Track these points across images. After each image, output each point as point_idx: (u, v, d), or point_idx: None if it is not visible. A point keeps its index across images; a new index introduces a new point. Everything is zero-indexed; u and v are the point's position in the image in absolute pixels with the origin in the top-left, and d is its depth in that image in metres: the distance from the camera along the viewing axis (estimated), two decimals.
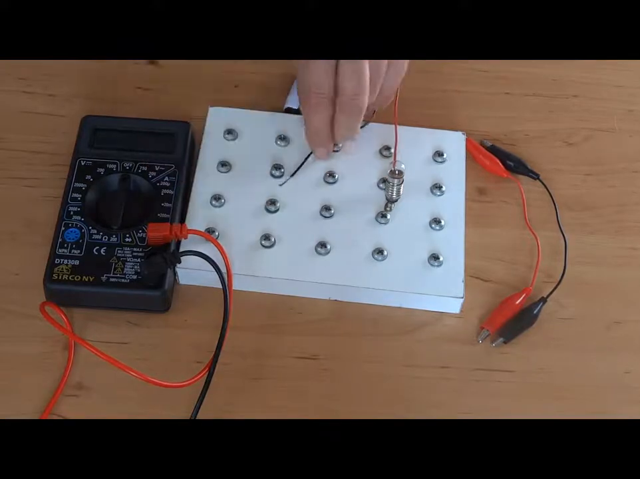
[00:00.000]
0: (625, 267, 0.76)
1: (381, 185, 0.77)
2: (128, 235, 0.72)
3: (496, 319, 0.73)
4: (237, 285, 0.71)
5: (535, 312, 0.73)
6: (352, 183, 0.77)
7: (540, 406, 0.70)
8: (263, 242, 0.74)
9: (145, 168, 0.75)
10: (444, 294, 0.72)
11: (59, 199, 0.74)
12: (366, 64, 0.72)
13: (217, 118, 0.79)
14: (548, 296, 0.74)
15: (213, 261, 0.70)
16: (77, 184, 0.74)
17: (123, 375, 0.67)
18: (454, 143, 0.80)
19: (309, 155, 0.78)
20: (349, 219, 0.75)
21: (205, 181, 0.76)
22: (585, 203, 0.79)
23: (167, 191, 0.74)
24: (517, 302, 0.73)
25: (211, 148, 0.78)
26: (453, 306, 0.73)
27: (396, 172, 0.74)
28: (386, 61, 0.73)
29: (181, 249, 0.72)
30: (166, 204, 0.74)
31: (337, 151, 0.79)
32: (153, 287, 0.71)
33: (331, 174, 0.77)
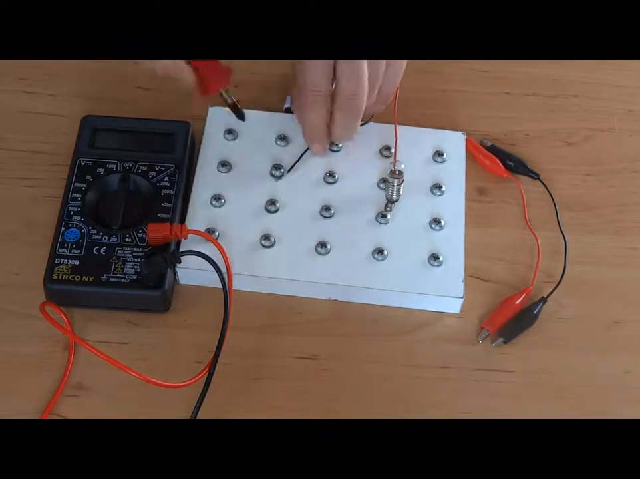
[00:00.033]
0: (625, 267, 0.76)
1: (381, 185, 0.77)
2: (128, 235, 0.72)
3: (496, 319, 0.73)
4: (237, 285, 0.71)
5: (535, 312, 0.73)
6: (352, 183, 0.77)
7: (540, 406, 0.70)
8: (263, 242, 0.74)
9: (145, 168, 0.75)
10: (444, 294, 0.72)
11: (59, 199, 0.74)
12: (364, 64, 0.72)
13: (217, 118, 0.79)
14: (548, 296, 0.74)
15: (213, 261, 0.70)
16: (77, 184, 0.74)
17: (123, 375, 0.67)
18: (454, 143, 0.80)
19: (305, 150, 0.78)
20: (349, 219, 0.75)
21: (205, 181, 0.77)
22: (585, 203, 0.79)
23: (167, 191, 0.74)
24: (517, 302, 0.73)
25: (211, 148, 0.78)
26: (453, 306, 0.73)
27: (396, 172, 0.74)
28: (384, 62, 0.73)
29: (181, 249, 0.72)
30: (166, 204, 0.74)
31: (337, 151, 0.79)
32: (153, 287, 0.71)
33: (331, 174, 0.77)
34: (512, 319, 0.73)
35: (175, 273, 0.73)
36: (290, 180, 0.77)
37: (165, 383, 0.67)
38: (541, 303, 0.74)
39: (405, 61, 0.75)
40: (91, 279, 0.70)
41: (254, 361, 0.71)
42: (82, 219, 0.73)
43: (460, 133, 0.80)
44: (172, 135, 0.77)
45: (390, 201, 0.76)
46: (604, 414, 0.70)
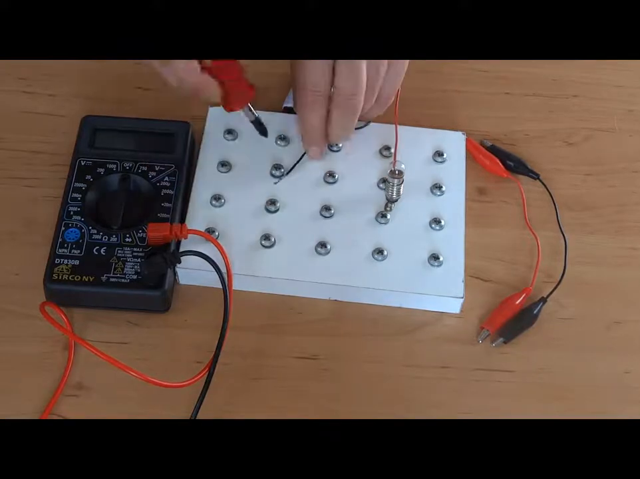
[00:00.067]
0: (625, 267, 0.76)
1: (381, 185, 0.77)
2: (128, 235, 0.72)
3: (496, 319, 0.73)
4: (237, 285, 0.71)
5: (535, 312, 0.73)
6: (352, 183, 0.77)
7: (540, 406, 0.70)
8: (263, 242, 0.74)
9: (145, 168, 0.75)
10: (444, 294, 0.72)
11: (59, 199, 0.74)
12: (363, 64, 0.72)
13: (217, 118, 0.79)
14: (548, 296, 0.74)
15: (213, 261, 0.70)
16: (77, 184, 0.74)
17: (123, 375, 0.67)
18: (454, 143, 0.80)
19: (304, 154, 0.78)
20: (349, 219, 0.75)
21: (205, 181, 0.77)
22: (585, 203, 0.79)
23: (167, 191, 0.74)
24: (517, 302, 0.73)
25: (211, 148, 0.78)
26: (453, 306, 0.73)
27: (396, 172, 0.74)
28: (385, 63, 0.73)
29: (181, 249, 0.72)
30: (166, 204, 0.74)
31: (337, 151, 0.79)
32: (153, 287, 0.71)
33: (331, 174, 0.77)
34: (512, 319, 0.73)
35: (175, 273, 0.73)
36: (290, 180, 0.77)
37: (165, 383, 0.67)
38: (541, 303, 0.74)
39: (407, 63, 0.75)
40: (91, 279, 0.70)
41: (254, 361, 0.71)
42: (82, 219, 0.73)
43: (460, 133, 0.80)
44: (172, 135, 0.77)
45: (390, 201, 0.76)
46: (604, 414, 0.70)
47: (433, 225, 0.75)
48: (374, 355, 0.72)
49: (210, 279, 0.71)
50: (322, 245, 0.73)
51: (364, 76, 0.72)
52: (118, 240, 0.72)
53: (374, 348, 0.72)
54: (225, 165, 0.77)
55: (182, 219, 0.74)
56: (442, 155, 0.79)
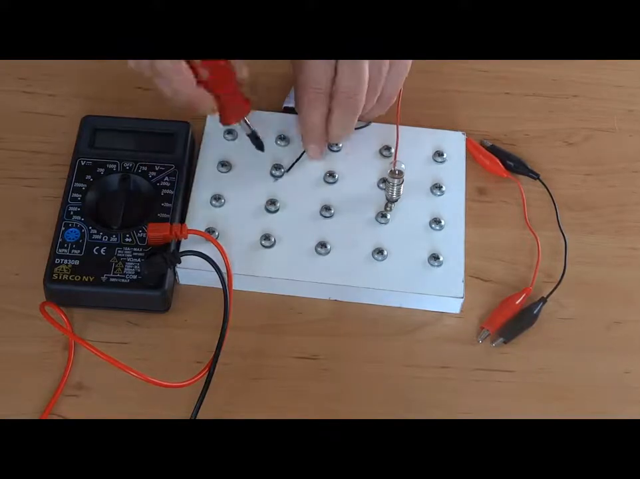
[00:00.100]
0: (625, 267, 0.76)
1: (381, 185, 0.77)
2: (128, 235, 0.72)
3: (496, 319, 0.73)
4: (237, 285, 0.71)
5: (535, 312, 0.73)
6: (352, 183, 0.77)
7: (540, 406, 0.70)
8: (263, 242, 0.74)
9: (145, 168, 0.75)
10: (444, 294, 0.72)
11: (59, 199, 0.74)
12: (365, 64, 0.72)
13: (217, 118, 0.79)
14: (548, 296, 0.74)
15: (213, 261, 0.70)
16: (77, 184, 0.74)
17: (123, 375, 0.67)
18: (454, 143, 0.80)
19: (303, 152, 0.78)
20: (349, 219, 0.75)
21: (205, 181, 0.76)
22: (585, 203, 0.79)
23: (167, 191, 0.74)
24: (517, 302, 0.73)
25: (211, 148, 0.78)
26: (453, 306, 0.73)
27: (396, 172, 0.74)
28: (387, 63, 0.73)
29: (181, 249, 0.72)
30: (166, 204, 0.74)
31: (337, 151, 0.79)
32: (153, 287, 0.71)
33: (331, 174, 0.77)
34: (512, 319, 0.73)
35: (175, 273, 0.73)
36: (290, 180, 0.77)
37: (165, 383, 0.67)
38: (541, 303, 0.74)
39: (409, 63, 0.75)
40: (91, 279, 0.70)
41: (254, 361, 0.71)
42: (82, 219, 0.73)
43: (460, 133, 0.80)
44: (172, 135, 0.77)
45: (390, 201, 0.76)
46: (604, 414, 0.70)
47: (433, 225, 0.75)
48: (374, 355, 0.72)
49: (210, 279, 0.71)
50: (322, 245, 0.73)
51: (366, 75, 0.72)
52: (118, 240, 0.72)
53: (374, 348, 0.72)
54: (225, 165, 0.77)
55: (182, 219, 0.74)
56: (442, 155, 0.79)
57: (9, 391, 0.69)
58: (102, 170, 0.75)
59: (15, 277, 0.73)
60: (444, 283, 0.73)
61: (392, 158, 0.78)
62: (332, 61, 0.72)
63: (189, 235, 0.72)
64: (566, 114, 0.84)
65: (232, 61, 0.70)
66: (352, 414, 0.69)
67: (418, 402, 0.70)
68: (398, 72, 0.75)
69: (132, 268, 0.71)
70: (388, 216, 0.75)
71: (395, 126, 0.79)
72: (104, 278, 0.70)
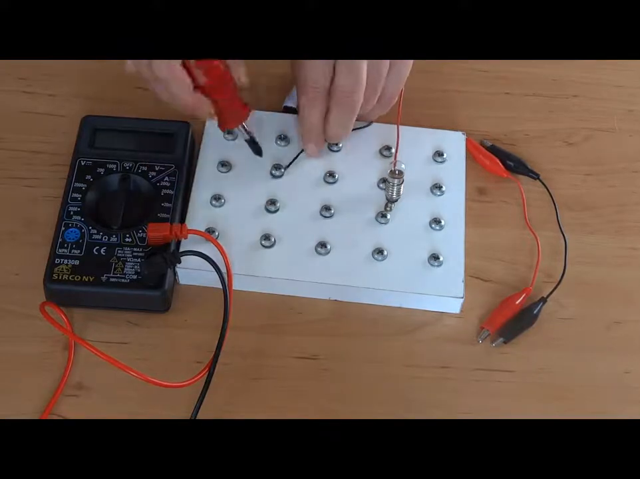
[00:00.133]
0: (625, 267, 0.76)
1: (381, 185, 0.77)
2: (128, 235, 0.72)
3: (496, 319, 0.73)
4: (237, 285, 0.71)
5: (535, 312, 0.73)
6: (352, 183, 0.77)
7: (540, 406, 0.70)
8: (263, 242, 0.74)
9: (145, 168, 0.75)
10: (444, 294, 0.72)
11: (59, 199, 0.74)
12: (363, 63, 0.72)
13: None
14: (548, 296, 0.74)
15: (213, 261, 0.70)
16: (77, 184, 0.74)
17: (123, 375, 0.67)
18: (454, 143, 0.80)
19: (302, 150, 0.78)
20: (349, 219, 0.75)
21: (205, 181, 0.76)
22: (585, 203, 0.79)
23: (167, 191, 0.74)
24: (517, 302, 0.73)
25: (211, 148, 0.78)
26: (453, 306, 0.73)
27: (396, 172, 0.74)
28: (387, 63, 0.73)
29: (181, 249, 0.72)
30: (166, 204, 0.74)
31: (337, 151, 0.79)
32: (153, 287, 0.71)
33: (331, 174, 0.77)
34: (512, 319, 0.73)
35: (175, 273, 0.73)
36: (290, 180, 0.77)
37: (165, 383, 0.67)
38: (541, 303, 0.74)
39: (410, 64, 0.75)
40: (91, 279, 0.70)
41: (254, 361, 0.71)
42: (82, 219, 0.73)
43: (460, 133, 0.80)
44: (172, 135, 0.77)
45: (390, 201, 0.76)
46: (604, 414, 0.70)
47: (433, 225, 0.75)
48: (374, 355, 0.72)
49: (210, 279, 0.71)
50: (322, 245, 0.73)
51: (363, 74, 0.72)
52: (118, 240, 0.72)
53: (374, 348, 0.72)
54: (225, 165, 0.77)
55: (182, 219, 0.74)
56: (442, 155, 0.79)
57: (9, 391, 0.69)
58: (102, 170, 0.75)
59: (15, 277, 0.73)
60: (444, 283, 0.73)
61: (392, 158, 0.78)
62: (331, 61, 0.72)
63: (189, 235, 0.72)
64: (566, 114, 0.84)
65: (230, 66, 0.70)
66: (352, 414, 0.69)
67: (418, 402, 0.70)
68: (398, 72, 0.75)
69: (132, 268, 0.71)
70: (388, 216, 0.75)
71: (395, 125, 0.79)
72: (104, 278, 0.70)
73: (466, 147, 0.80)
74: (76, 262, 0.71)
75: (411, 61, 0.75)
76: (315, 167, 0.78)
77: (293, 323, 0.73)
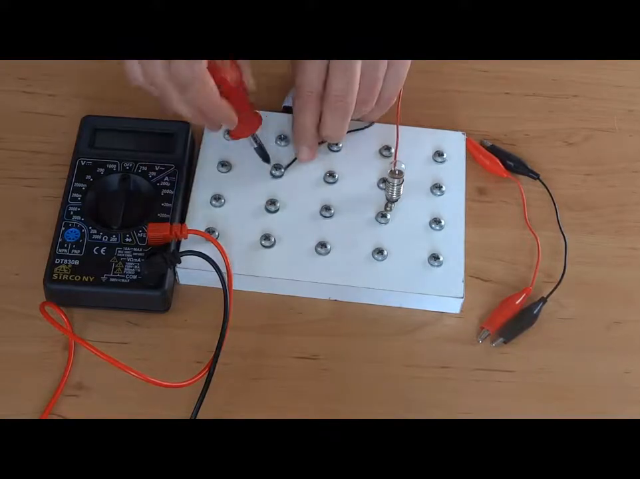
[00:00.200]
0: (625, 267, 0.76)
1: (381, 185, 0.77)
2: (128, 235, 0.72)
3: (496, 319, 0.73)
4: (237, 285, 0.71)
5: (535, 312, 0.73)
6: (352, 183, 0.77)
7: (540, 406, 0.70)
8: (263, 242, 0.74)
9: (145, 168, 0.75)
10: (444, 294, 0.72)
11: (59, 199, 0.74)
12: (357, 64, 0.72)
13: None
14: (548, 296, 0.74)
15: (213, 261, 0.70)
16: (77, 184, 0.74)
17: (123, 375, 0.67)
18: (454, 143, 0.80)
19: None
20: (349, 219, 0.75)
21: (205, 181, 0.76)
22: (585, 203, 0.79)
23: (167, 191, 0.74)
24: (517, 302, 0.73)
25: (211, 148, 0.78)
26: (453, 306, 0.73)
27: (396, 172, 0.74)
28: (385, 64, 0.73)
29: (181, 249, 0.72)
30: (166, 204, 0.74)
31: (337, 151, 0.79)
32: (153, 287, 0.71)
33: (331, 174, 0.77)
34: (512, 319, 0.73)
35: (175, 273, 0.73)
36: (290, 180, 0.77)
37: (165, 383, 0.67)
38: (541, 303, 0.74)
39: (408, 64, 0.75)
40: (91, 279, 0.70)
41: (254, 361, 0.71)
42: (82, 219, 0.73)
43: (460, 133, 0.80)
44: (172, 135, 0.77)
45: (390, 201, 0.76)
46: (604, 414, 0.70)
47: (433, 225, 0.75)
48: (374, 355, 0.72)
49: (210, 279, 0.71)
50: (322, 245, 0.73)
51: (356, 77, 0.72)
52: (118, 240, 0.72)
53: (374, 348, 0.72)
54: (225, 165, 0.77)
55: (182, 219, 0.74)
56: (442, 155, 0.79)
57: (9, 391, 0.69)
58: (102, 170, 0.75)
59: (15, 277, 0.73)
60: (444, 283, 0.73)
61: (392, 158, 0.78)
62: (326, 63, 0.72)
63: (189, 235, 0.72)
64: (566, 114, 0.84)
65: (244, 75, 0.70)
66: (352, 414, 0.69)
67: (418, 402, 0.70)
68: (397, 72, 0.75)
69: (132, 268, 0.71)
70: (388, 216, 0.75)
71: (395, 126, 0.79)
72: (104, 278, 0.70)
73: (466, 147, 0.80)
74: (76, 262, 0.71)
75: (409, 61, 0.75)
76: (315, 168, 0.78)
77: (293, 323, 0.73)
